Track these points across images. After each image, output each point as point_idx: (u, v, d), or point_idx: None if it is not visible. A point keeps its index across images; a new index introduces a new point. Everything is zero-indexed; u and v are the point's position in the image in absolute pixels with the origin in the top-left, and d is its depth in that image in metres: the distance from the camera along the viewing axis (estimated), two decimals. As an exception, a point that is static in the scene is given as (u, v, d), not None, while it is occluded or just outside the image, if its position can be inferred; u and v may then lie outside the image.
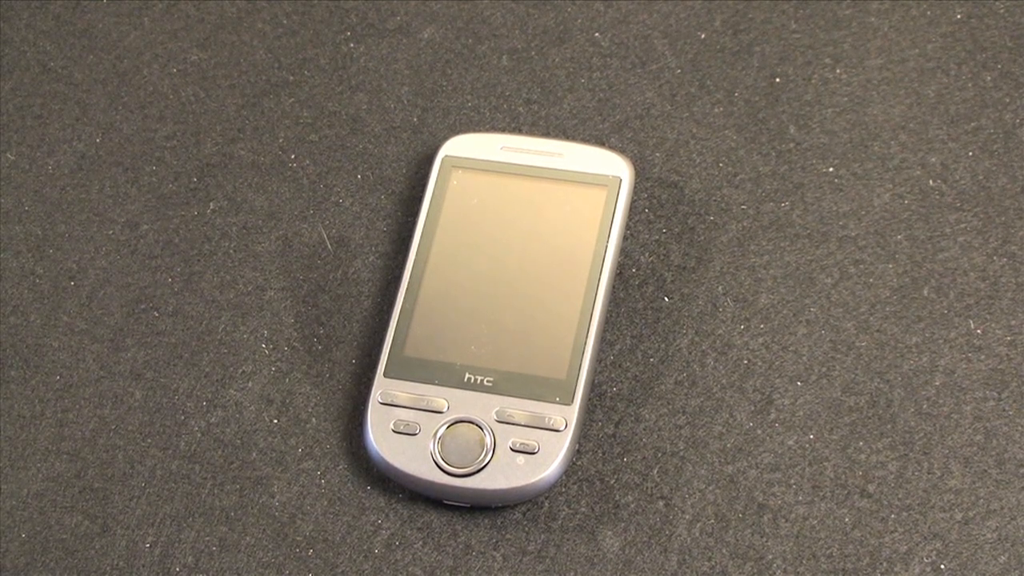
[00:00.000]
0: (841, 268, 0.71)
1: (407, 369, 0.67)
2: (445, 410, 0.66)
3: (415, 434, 0.66)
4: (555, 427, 0.65)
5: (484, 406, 0.66)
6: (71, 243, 0.73)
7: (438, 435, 0.66)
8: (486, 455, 0.65)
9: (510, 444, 0.65)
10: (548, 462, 0.65)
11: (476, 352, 0.67)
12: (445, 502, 0.66)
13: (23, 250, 0.73)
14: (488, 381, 0.66)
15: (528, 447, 0.65)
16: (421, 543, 0.66)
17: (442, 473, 0.65)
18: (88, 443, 0.69)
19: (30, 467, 0.69)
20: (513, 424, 0.65)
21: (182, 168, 0.75)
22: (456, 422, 0.66)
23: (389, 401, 0.67)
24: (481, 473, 0.65)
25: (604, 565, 0.65)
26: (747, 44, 0.76)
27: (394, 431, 0.66)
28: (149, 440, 0.68)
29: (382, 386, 0.67)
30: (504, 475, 0.65)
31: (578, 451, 0.67)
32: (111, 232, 0.74)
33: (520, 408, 0.66)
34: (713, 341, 0.69)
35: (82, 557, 0.66)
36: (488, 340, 0.67)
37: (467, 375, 0.67)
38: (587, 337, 0.67)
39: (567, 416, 0.65)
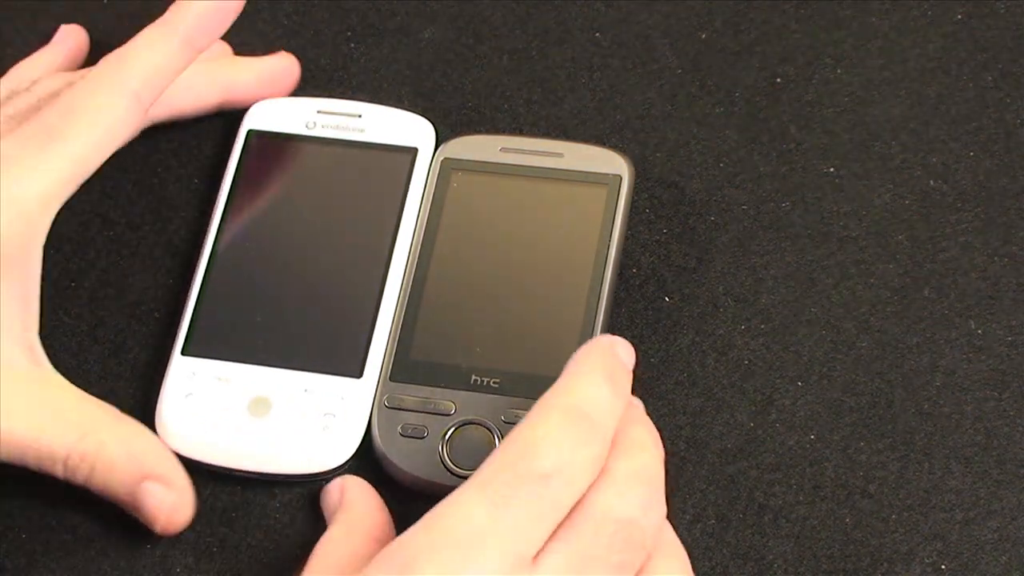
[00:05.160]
0: (842, 268, 0.71)
1: (412, 373, 0.67)
2: (453, 412, 0.66)
3: (423, 437, 0.66)
4: None
5: (492, 407, 0.66)
6: (72, 245, 0.73)
7: (447, 437, 0.66)
8: (495, 456, 0.65)
9: None
10: None
11: (482, 353, 0.67)
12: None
13: (23, 251, 0.73)
14: (495, 382, 0.66)
15: None
16: (422, 544, 0.66)
17: (452, 475, 0.65)
18: (89, 444, 0.69)
19: (30, 467, 0.68)
20: (521, 424, 0.65)
21: (183, 170, 0.75)
22: (464, 424, 0.66)
23: (396, 405, 0.66)
24: None
25: (605, 565, 0.65)
26: (748, 44, 0.76)
27: (402, 435, 0.66)
28: (151, 441, 0.68)
29: (388, 390, 0.67)
30: None
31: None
32: (112, 233, 0.73)
33: (528, 408, 0.65)
34: (714, 341, 0.69)
35: (82, 557, 0.66)
36: (493, 341, 0.67)
37: (473, 377, 0.67)
38: (592, 335, 0.67)
39: None
